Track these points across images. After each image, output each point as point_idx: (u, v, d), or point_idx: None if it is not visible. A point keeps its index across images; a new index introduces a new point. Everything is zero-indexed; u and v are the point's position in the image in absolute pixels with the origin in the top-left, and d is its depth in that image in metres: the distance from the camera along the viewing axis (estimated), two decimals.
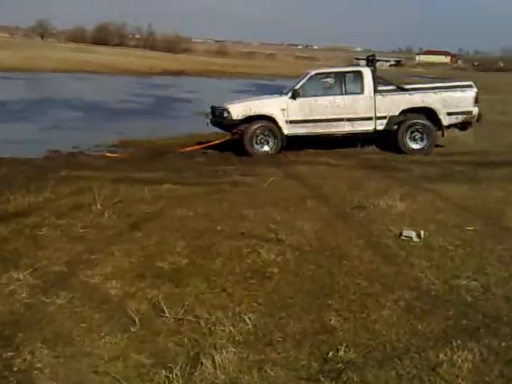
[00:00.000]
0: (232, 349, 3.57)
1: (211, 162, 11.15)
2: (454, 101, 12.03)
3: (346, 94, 12.08)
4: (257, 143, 11.85)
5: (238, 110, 11.99)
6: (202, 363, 3.42)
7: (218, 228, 6.06)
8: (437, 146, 12.22)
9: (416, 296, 4.40)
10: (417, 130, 11.93)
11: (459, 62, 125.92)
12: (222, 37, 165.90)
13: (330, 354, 3.55)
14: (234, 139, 12.18)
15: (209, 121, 12.68)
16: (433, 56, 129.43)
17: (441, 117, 11.95)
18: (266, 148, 11.90)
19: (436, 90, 12.34)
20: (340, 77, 12.32)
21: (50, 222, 6.14)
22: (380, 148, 12.34)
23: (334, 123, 11.95)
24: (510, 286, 4.61)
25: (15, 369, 3.36)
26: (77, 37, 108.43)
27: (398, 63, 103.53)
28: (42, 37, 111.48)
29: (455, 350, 3.55)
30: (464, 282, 4.67)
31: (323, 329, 3.88)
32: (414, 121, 11.94)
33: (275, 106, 12.00)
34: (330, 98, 12.00)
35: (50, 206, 6.76)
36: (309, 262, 5.10)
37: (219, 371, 3.35)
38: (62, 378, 3.31)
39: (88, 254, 5.21)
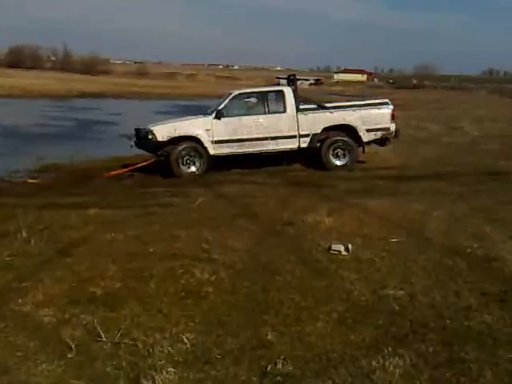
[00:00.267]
0: (172, 369, 3.58)
1: (138, 184, 11.07)
2: (372, 118, 12.54)
3: (268, 113, 12.31)
4: (183, 164, 11.82)
5: (162, 131, 11.91)
6: None
7: (150, 250, 6.04)
8: (359, 161, 12.66)
9: (347, 307, 4.56)
10: (339, 147, 12.31)
11: (375, 79, 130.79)
12: (142, 58, 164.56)
13: (269, 367, 3.62)
14: (160, 161, 12.13)
15: (133, 143, 12.55)
16: (350, 74, 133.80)
17: (361, 134, 12.41)
18: (193, 169, 11.90)
19: (355, 108, 12.79)
20: (262, 96, 12.55)
21: None
22: (305, 165, 12.64)
23: (259, 142, 12.14)
24: (435, 293, 4.84)
25: None
26: None
27: (317, 82, 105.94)
28: None
29: (386, 357, 3.71)
30: (391, 292, 4.87)
31: (260, 344, 3.95)
32: (336, 138, 12.31)
33: (200, 127, 12.06)
34: (254, 117, 12.19)
35: None
36: (243, 279, 5.18)
37: None
38: None
39: (17, 282, 5.08)
